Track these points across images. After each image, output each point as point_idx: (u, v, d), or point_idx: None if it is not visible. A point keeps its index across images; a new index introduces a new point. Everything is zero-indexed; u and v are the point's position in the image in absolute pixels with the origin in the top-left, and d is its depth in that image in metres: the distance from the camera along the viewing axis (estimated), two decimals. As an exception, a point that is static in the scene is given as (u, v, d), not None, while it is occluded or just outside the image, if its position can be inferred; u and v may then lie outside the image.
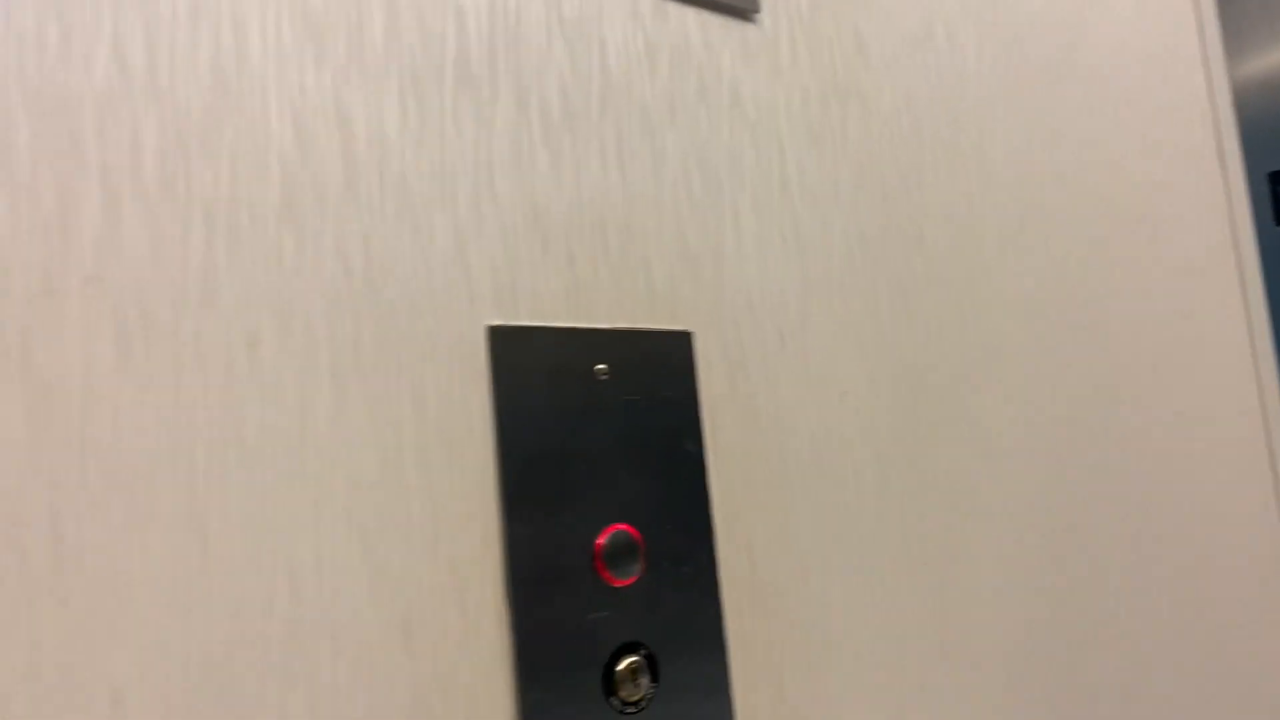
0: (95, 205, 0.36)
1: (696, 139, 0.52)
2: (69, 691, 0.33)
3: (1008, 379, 0.64)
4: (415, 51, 0.44)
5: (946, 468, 0.59)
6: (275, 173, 0.39)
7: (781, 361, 0.53)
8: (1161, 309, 0.77)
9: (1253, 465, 0.81)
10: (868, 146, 0.59)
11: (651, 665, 0.45)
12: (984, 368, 0.63)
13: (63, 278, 0.35)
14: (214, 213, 0.38)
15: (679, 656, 0.46)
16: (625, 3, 0.51)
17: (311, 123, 0.41)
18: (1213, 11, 0.90)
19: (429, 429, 0.41)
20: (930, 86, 0.64)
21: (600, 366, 0.46)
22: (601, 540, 0.44)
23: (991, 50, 0.69)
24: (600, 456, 0.45)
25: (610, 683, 0.43)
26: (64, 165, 0.35)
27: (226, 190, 0.38)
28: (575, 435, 0.45)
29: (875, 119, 0.60)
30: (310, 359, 0.39)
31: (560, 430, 0.44)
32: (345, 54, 0.42)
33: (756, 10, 0.55)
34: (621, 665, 0.44)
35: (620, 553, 0.44)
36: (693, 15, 0.53)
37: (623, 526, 0.45)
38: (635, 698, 0.44)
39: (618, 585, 0.44)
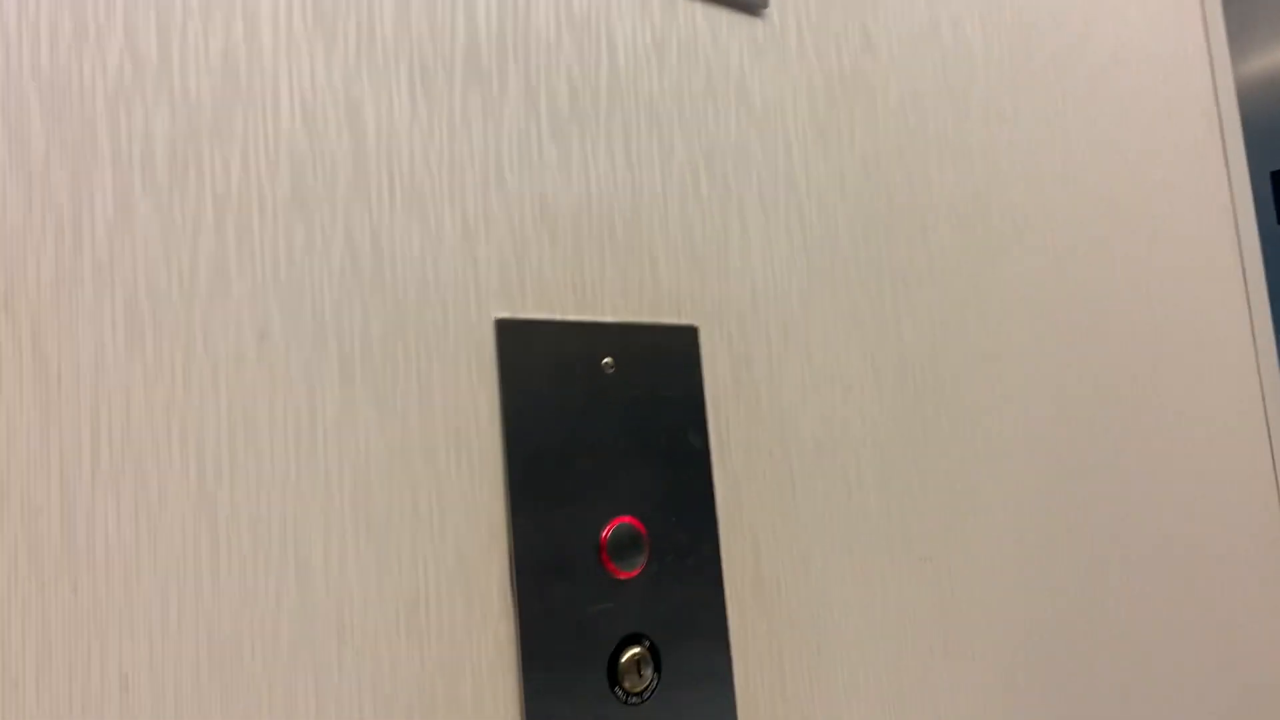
0: (107, 195, 0.36)
1: (703, 133, 0.52)
2: (78, 677, 0.33)
3: (1010, 375, 0.64)
4: (425, 44, 0.44)
5: (948, 463, 0.59)
6: (285, 164, 0.40)
7: (785, 356, 0.53)
8: (1163, 307, 0.77)
9: (1254, 464, 0.81)
10: (874, 142, 0.60)
11: (655, 657, 0.45)
12: (986, 364, 0.63)
13: (75, 267, 0.35)
14: (224, 203, 0.38)
15: (682, 648, 0.46)
16: (633, -3, 0.51)
17: (321, 115, 0.41)
18: (1218, 10, 0.90)
19: (436, 420, 0.41)
20: (936, 83, 0.64)
21: (606, 360, 0.46)
22: (606, 533, 0.44)
23: (998, 47, 0.69)
24: (606, 450, 0.45)
25: (614, 673, 0.44)
26: (76, 155, 0.35)
27: (237, 181, 0.38)
28: (581, 428, 0.45)
29: (881, 115, 0.60)
30: (319, 350, 0.39)
31: (566, 423, 0.44)
32: (355, 47, 0.42)
33: (764, 5, 0.56)
34: (625, 656, 0.44)
35: (625, 545, 0.45)
36: (701, 10, 0.53)
37: (627, 519, 0.45)
38: (639, 689, 0.44)
39: (622, 577, 0.45)
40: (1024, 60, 0.70)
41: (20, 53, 0.35)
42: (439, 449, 0.41)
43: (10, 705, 0.32)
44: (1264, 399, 0.83)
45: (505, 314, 0.44)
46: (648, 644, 0.45)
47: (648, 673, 0.44)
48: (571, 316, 0.46)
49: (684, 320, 0.50)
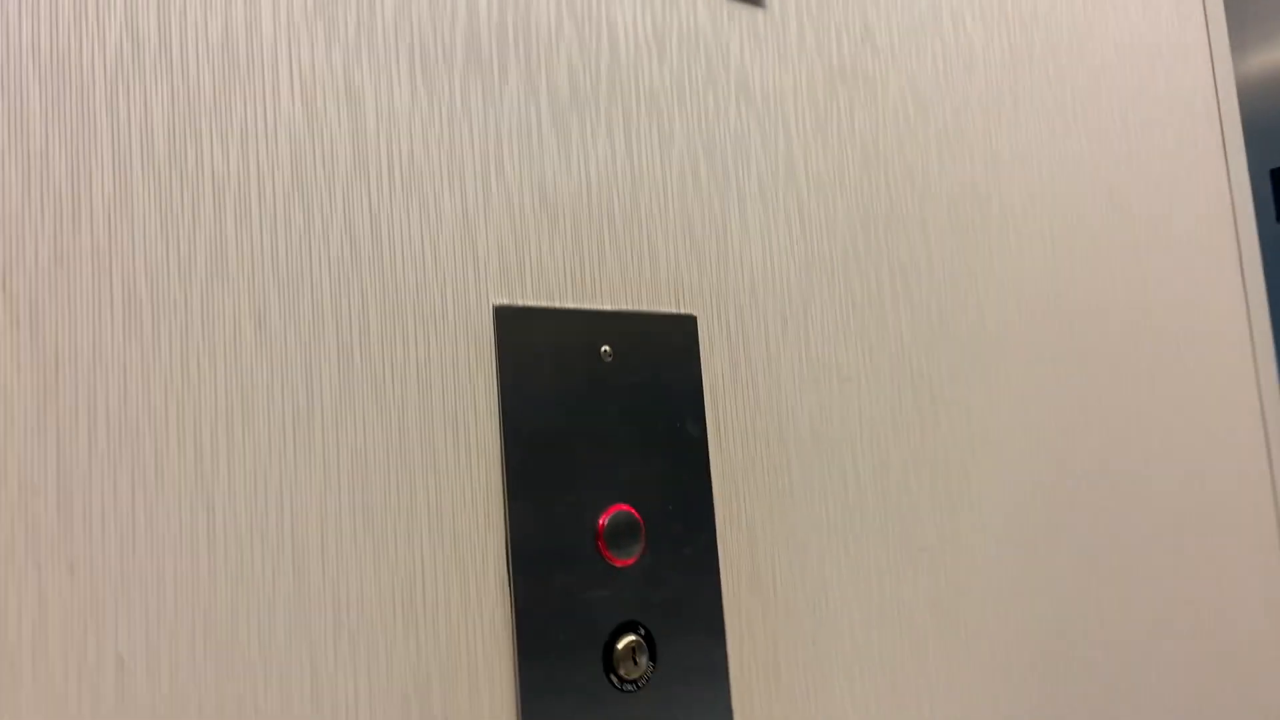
0: (106, 176, 0.36)
1: (703, 123, 0.52)
2: (74, 656, 0.33)
3: (1007, 367, 0.64)
4: (425, 30, 0.44)
5: (944, 454, 0.59)
6: (285, 148, 0.40)
7: (783, 346, 0.53)
8: (1161, 303, 0.77)
9: (1250, 459, 0.81)
10: (873, 133, 0.60)
11: (650, 644, 0.45)
12: (983, 356, 0.63)
13: (73, 247, 0.35)
14: (223, 186, 0.38)
15: (678, 636, 0.46)
16: (634, -14, 0.51)
17: (321, 99, 0.41)
18: (1219, 6, 0.90)
19: (434, 406, 0.41)
20: (937, 74, 0.64)
21: (605, 348, 0.46)
22: (603, 520, 0.44)
23: (998, 39, 0.69)
24: (603, 437, 0.45)
25: (610, 661, 0.44)
26: (76, 136, 0.35)
27: (236, 164, 0.38)
28: (579, 416, 0.45)
29: (881, 105, 0.60)
30: (317, 334, 0.39)
31: (564, 410, 0.44)
32: (356, 31, 0.42)
33: (765, -4, 0.56)
34: (621, 644, 0.44)
35: (622, 533, 0.45)
36: (701, 0, 0.53)
37: (624, 507, 0.45)
38: (634, 676, 0.44)
39: (619, 565, 0.45)
40: (1024, 53, 0.70)
41: (20, 33, 0.35)
42: (437, 435, 0.41)
43: (6, 685, 0.32)
44: (1260, 394, 0.83)
45: (504, 301, 0.44)
46: (643, 632, 0.45)
47: (643, 660, 0.44)
48: (570, 304, 0.46)
49: (683, 309, 0.50)
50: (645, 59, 0.51)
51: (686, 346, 0.49)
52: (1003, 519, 0.62)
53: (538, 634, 0.42)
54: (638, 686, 0.44)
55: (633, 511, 0.45)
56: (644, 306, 0.48)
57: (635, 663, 0.44)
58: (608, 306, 0.47)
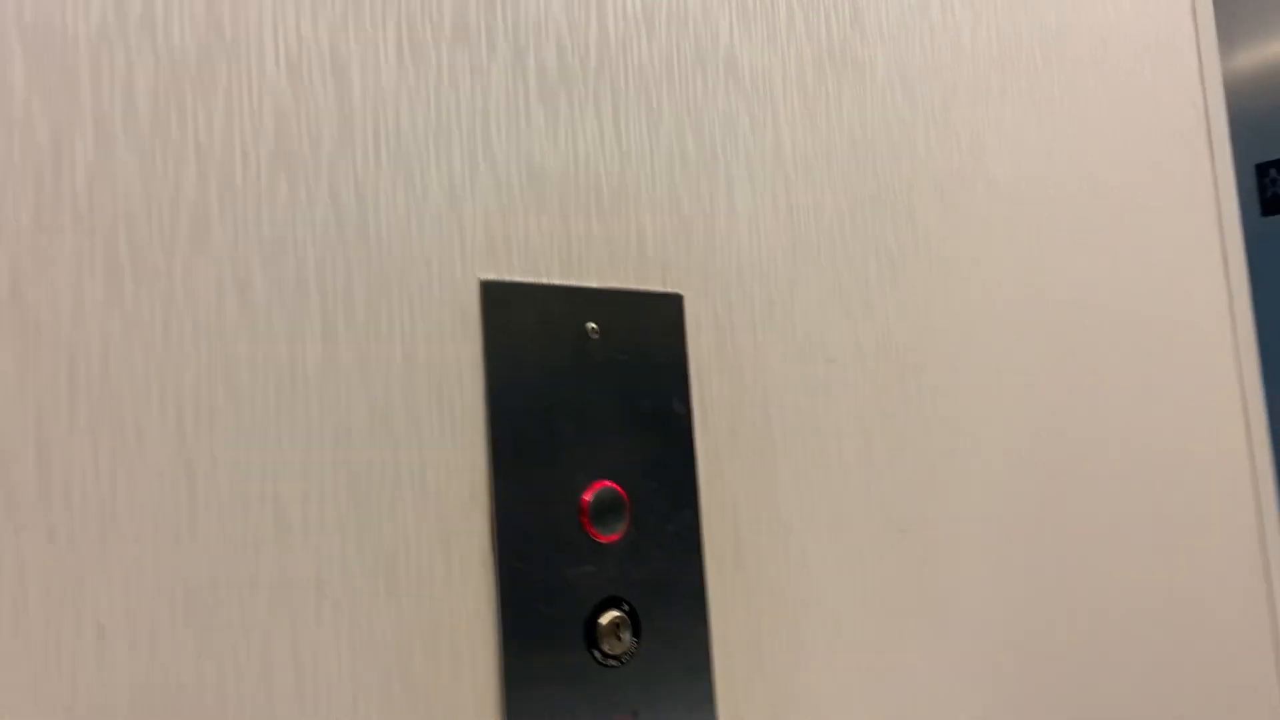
0: (89, 144, 0.35)
1: (692, 103, 0.52)
2: (54, 625, 0.33)
3: (992, 350, 0.64)
4: (413, 4, 0.44)
5: (928, 436, 0.60)
6: (270, 118, 0.39)
7: (769, 326, 0.53)
8: (1145, 295, 0.77)
9: (1231, 453, 0.82)
10: (861, 117, 0.60)
11: (633, 620, 0.45)
12: (968, 340, 0.63)
13: (55, 215, 0.35)
14: (207, 155, 0.38)
15: (660, 612, 0.46)
16: (624, -36, 0.51)
17: (307, 70, 0.40)
18: (1208, 1, 0.90)
19: (419, 379, 0.41)
20: (925, 59, 0.64)
21: (591, 325, 0.46)
22: (587, 496, 0.44)
23: (986, 27, 0.69)
24: (588, 414, 0.45)
25: (593, 636, 0.44)
26: (58, 103, 0.35)
27: (220, 133, 0.38)
28: (564, 392, 0.45)
29: (869, 90, 0.60)
30: (301, 304, 0.39)
31: (550, 386, 0.44)
32: (342, 3, 0.42)
33: (754, -23, 0.55)
34: (604, 620, 0.44)
35: (606, 509, 0.45)
36: (691, -20, 0.53)
37: (609, 483, 0.45)
38: (617, 651, 0.44)
39: (602, 541, 0.45)
40: (1012, 40, 0.71)
41: (1, -5, 0.34)
42: (421, 408, 0.41)
43: (-16, 650, 0.32)
44: (1242, 386, 0.84)
45: (490, 275, 0.44)
46: (627, 608, 0.45)
47: (626, 636, 0.44)
48: (557, 280, 0.46)
49: (669, 288, 0.50)
50: (634, 37, 0.51)
51: (673, 325, 0.49)
52: (984, 502, 0.62)
53: (521, 608, 0.42)
54: (621, 662, 0.44)
55: (617, 488, 0.45)
56: (631, 284, 0.48)
57: (618, 639, 0.44)
58: (594, 284, 0.47)
